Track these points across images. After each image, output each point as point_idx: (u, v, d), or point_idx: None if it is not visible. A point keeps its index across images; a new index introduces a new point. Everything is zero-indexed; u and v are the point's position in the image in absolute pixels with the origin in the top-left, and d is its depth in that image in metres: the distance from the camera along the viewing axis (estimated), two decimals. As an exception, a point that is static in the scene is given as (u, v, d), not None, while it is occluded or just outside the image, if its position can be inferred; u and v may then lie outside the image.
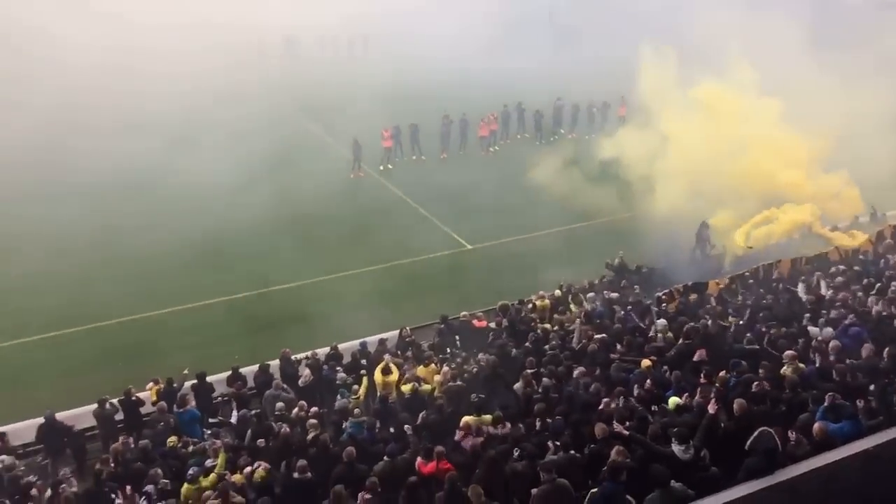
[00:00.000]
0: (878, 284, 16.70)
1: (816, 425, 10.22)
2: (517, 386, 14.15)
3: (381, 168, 34.18)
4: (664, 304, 18.43)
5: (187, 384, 16.30)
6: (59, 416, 15.42)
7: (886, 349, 12.74)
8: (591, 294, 19.59)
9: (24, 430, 15.34)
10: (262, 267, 24.70)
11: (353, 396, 15.06)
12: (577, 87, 39.54)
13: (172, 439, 13.69)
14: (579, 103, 38.87)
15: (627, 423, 11.11)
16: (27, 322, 21.52)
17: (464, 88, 42.51)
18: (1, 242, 26.32)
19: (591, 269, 21.99)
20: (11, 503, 11.91)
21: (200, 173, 30.55)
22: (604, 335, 16.20)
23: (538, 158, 29.72)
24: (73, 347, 20.56)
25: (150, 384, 16.26)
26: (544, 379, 14.08)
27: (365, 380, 15.62)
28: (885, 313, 15.06)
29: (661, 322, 16.30)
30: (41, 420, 15.13)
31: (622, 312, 17.76)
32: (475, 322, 18.69)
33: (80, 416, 15.77)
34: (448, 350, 17.71)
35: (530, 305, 19.37)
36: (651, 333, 16.00)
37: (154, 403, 15.67)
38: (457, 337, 18.32)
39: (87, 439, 15.56)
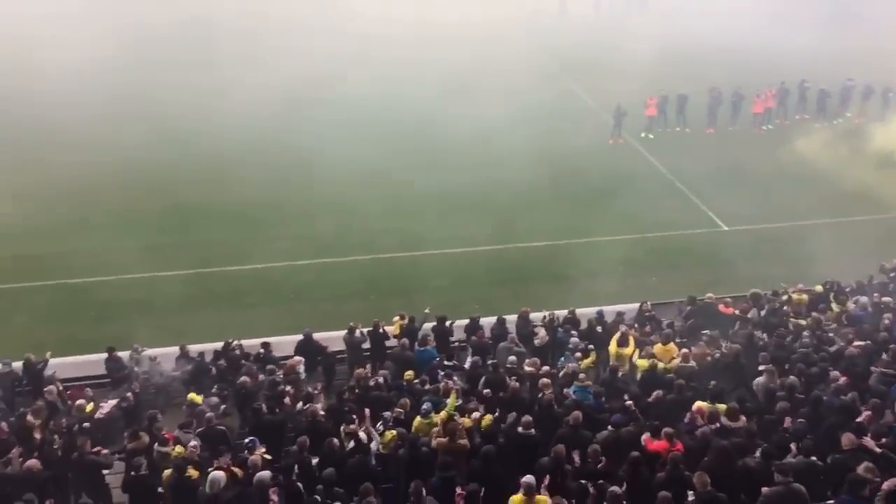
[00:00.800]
0: None
1: None
2: (759, 380, 13.37)
3: (642, 136, 33.30)
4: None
5: (428, 325, 17.16)
6: (316, 336, 16.91)
7: None
8: (859, 297, 17.84)
9: (286, 343, 17.01)
10: (512, 222, 25.20)
11: (574, 363, 14.97)
12: (860, 69, 35.77)
13: (409, 374, 14.48)
14: (872, 84, 35.04)
15: (883, 440, 10.12)
16: (303, 247, 23.65)
17: (740, 61, 40.04)
18: (292, 173, 29.03)
19: (860, 269, 19.93)
20: (268, 405, 13.28)
21: (467, 127, 31.81)
22: (867, 342, 14.76)
23: (817, 141, 27.35)
24: (335, 275, 22.39)
25: (396, 318, 17.31)
26: (791, 378, 13.16)
27: (592, 349, 15.47)
28: None
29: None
30: (300, 336, 16.73)
31: (888, 320, 16.06)
32: (721, 307, 17.79)
33: (333, 338, 17.12)
34: (689, 332, 17.05)
35: (785, 297, 18.07)
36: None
37: (397, 338, 16.71)
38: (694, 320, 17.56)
39: (338, 361, 16.92)
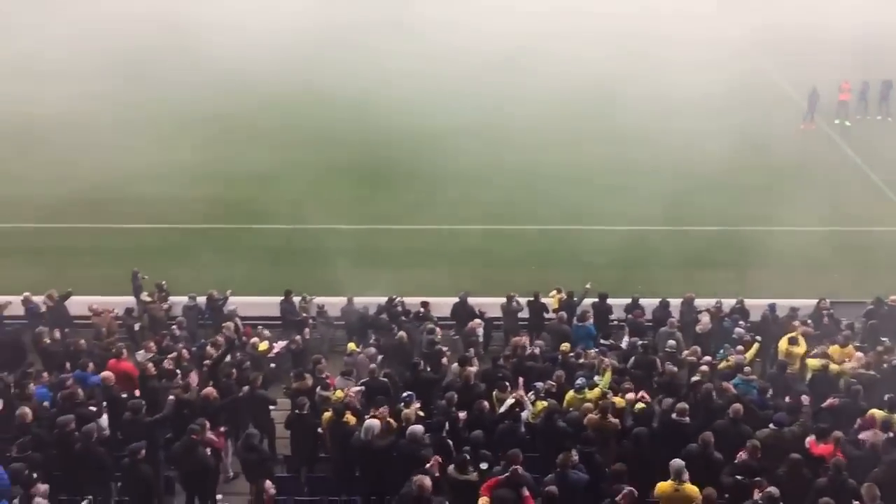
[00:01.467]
0: None
1: None
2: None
3: (836, 123, 31.02)
4: None
5: (587, 301, 16.98)
6: (473, 301, 17.18)
7: None
8: None
9: (444, 304, 17.39)
10: (687, 204, 24.36)
11: (740, 355, 14.27)
12: None
13: (565, 346, 14.41)
14: None
15: None
16: (471, 212, 23.99)
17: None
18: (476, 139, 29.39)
19: None
20: (426, 363, 13.67)
21: (653, 102, 31.35)
22: None
23: None
24: (498, 243, 22.60)
25: (554, 293, 17.24)
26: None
27: (757, 344, 14.71)
28: None
29: None
30: (456, 299, 17.06)
31: None
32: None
33: (490, 305, 17.31)
34: (869, 335, 15.88)
35: None
36: None
37: (555, 311, 16.67)
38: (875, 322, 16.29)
39: (494, 328, 17.11)
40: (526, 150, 28.29)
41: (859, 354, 13.85)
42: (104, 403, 11.93)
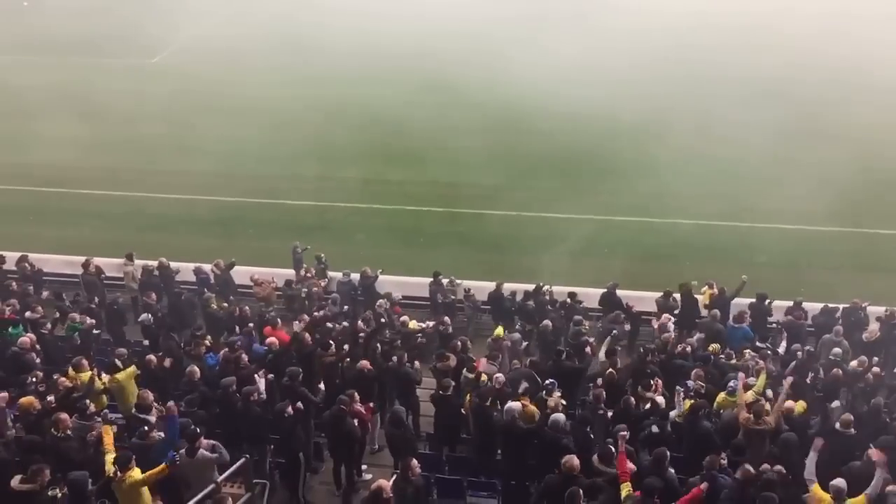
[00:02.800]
0: None
1: None
2: None
3: None
4: None
5: (743, 300, 16.22)
6: (625, 293, 16.91)
7: None
8: None
9: (593, 295, 17.17)
10: (860, 203, 23.01)
11: None
12: None
13: (715, 347, 13.85)
14: None
15: None
16: (622, 203, 23.61)
17: None
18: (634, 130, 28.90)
19: None
20: (570, 353, 13.50)
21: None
22: None
23: None
24: (650, 236, 22.23)
25: (705, 288, 16.59)
26: None
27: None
28: None
29: None
30: (604, 290, 16.84)
31: None
32: None
33: (642, 298, 16.97)
34: None
35: None
36: None
37: (706, 307, 16.04)
38: None
39: (643, 322, 16.70)
40: (693, 139, 27.48)
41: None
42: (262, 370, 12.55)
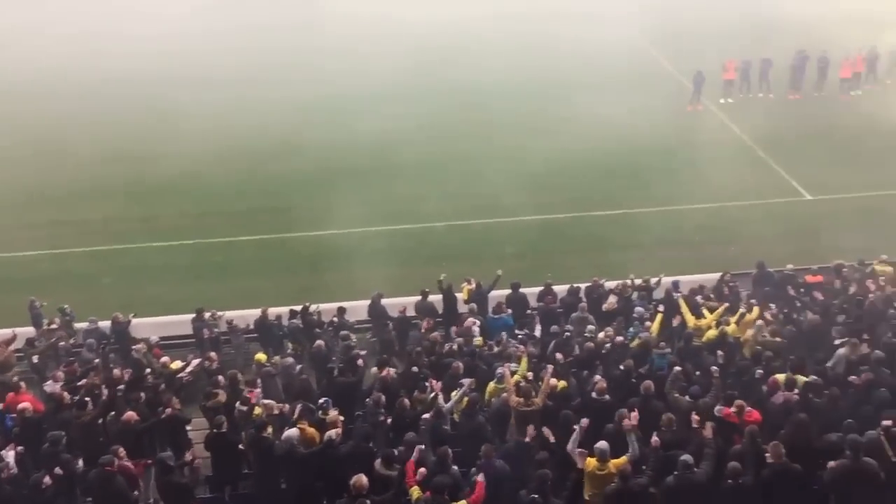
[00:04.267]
0: None
1: None
2: (841, 352, 13.00)
3: (722, 102, 32.37)
4: None
5: (503, 293, 17.14)
6: (390, 301, 17.16)
7: None
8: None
9: (360, 308, 17.28)
10: (583, 191, 25.02)
11: (646, 332, 14.67)
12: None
13: (478, 340, 14.54)
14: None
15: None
16: (372, 213, 23.81)
17: (827, 24, 38.30)
18: (356, 139, 29.32)
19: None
20: (342, 369, 13.54)
21: (538, 95, 31.59)
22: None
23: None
24: (406, 242, 22.61)
25: (464, 284, 17.30)
26: (876, 352, 12.74)
27: (660, 317, 15.19)
28: None
29: None
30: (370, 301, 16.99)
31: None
32: (808, 277, 17.30)
33: (406, 304, 17.21)
34: (765, 302, 16.62)
35: (869, 269, 17.42)
36: None
37: (466, 302, 16.77)
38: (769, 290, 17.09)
39: (411, 326, 17.09)
40: (426, 144, 28.50)
41: (759, 322, 14.47)
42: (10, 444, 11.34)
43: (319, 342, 14.88)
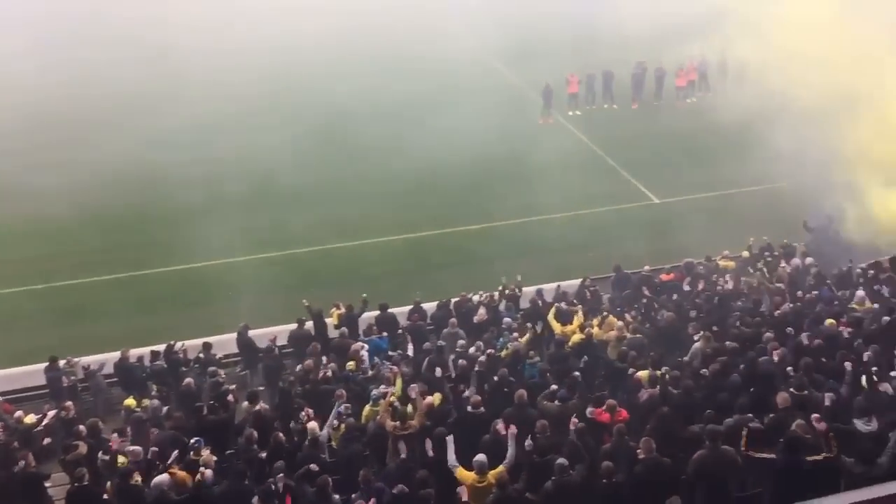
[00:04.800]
0: None
1: None
2: (696, 346, 13.74)
3: (570, 114, 33.74)
4: (868, 275, 17.08)
5: (372, 315, 17.10)
6: (258, 332, 16.76)
7: None
8: (794, 259, 18.43)
9: (228, 342, 16.77)
10: (446, 208, 25.43)
11: (516, 342, 15.01)
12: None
13: (351, 364, 14.42)
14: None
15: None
16: (235, 243, 23.28)
17: (663, 35, 40.45)
18: (214, 168, 28.66)
19: (790, 232, 20.50)
20: (211, 406, 13.08)
21: (393, 116, 31.93)
22: (797, 303, 15.36)
23: (739, 110, 27.92)
24: (272, 270, 22.17)
25: (334, 309, 17.15)
26: (727, 341, 13.59)
27: (529, 327, 15.60)
28: None
29: (860, 293, 15.19)
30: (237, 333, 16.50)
31: (815, 277, 16.73)
32: (662, 276, 18.26)
33: (276, 333, 16.80)
34: (625, 303, 17.39)
35: (714, 265, 18.60)
36: (852, 304, 14.98)
37: (336, 327, 16.61)
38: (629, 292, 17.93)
39: (283, 356, 16.74)
40: (286, 170, 28.06)
41: (620, 323, 15.12)
42: None
43: (188, 380, 14.32)
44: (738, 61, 33.95)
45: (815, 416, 9.78)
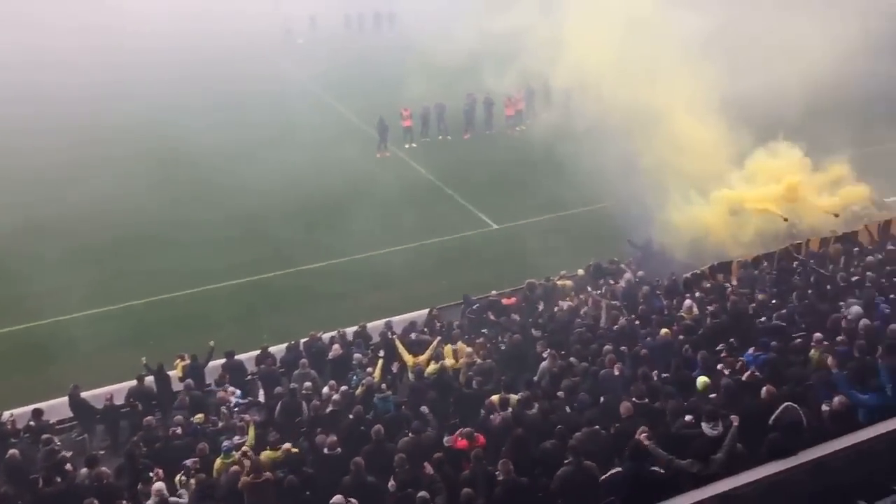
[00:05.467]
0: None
1: (837, 399, 10.20)
2: (543, 364, 14.20)
3: (406, 147, 34.25)
4: (691, 284, 18.35)
5: (219, 363, 16.52)
6: (94, 392, 15.82)
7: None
8: (626, 275, 19.49)
9: (61, 406, 15.67)
10: (289, 247, 25.03)
11: (369, 377, 14.98)
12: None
13: (199, 417, 13.87)
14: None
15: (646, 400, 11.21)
16: (65, 299, 21.84)
17: (490, 67, 41.92)
18: (40, 219, 26.88)
19: (621, 248, 21.73)
20: (47, 476, 12.14)
21: (227, 154, 31.22)
22: (632, 315, 16.25)
23: (565, 137, 29.32)
24: (107, 325, 20.95)
25: (177, 360, 16.45)
26: (571, 358, 14.15)
27: (381, 361, 15.68)
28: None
29: (688, 302, 16.28)
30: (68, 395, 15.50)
31: (647, 290, 17.78)
32: (504, 300, 18.78)
33: (116, 392, 15.94)
34: (474, 329, 17.77)
35: (553, 285, 19.37)
36: (680, 313, 16.01)
37: (181, 379, 15.91)
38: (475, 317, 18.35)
39: (122, 416, 15.81)
40: (115, 220, 26.82)
41: (469, 349, 15.41)
42: None
43: (12, 452, 13.17)
44: (561, 88, 35.41)
45: (643, 431, 10.24)
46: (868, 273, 16.14)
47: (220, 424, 13.67)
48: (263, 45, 50.09)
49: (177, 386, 15.98)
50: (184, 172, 31.06)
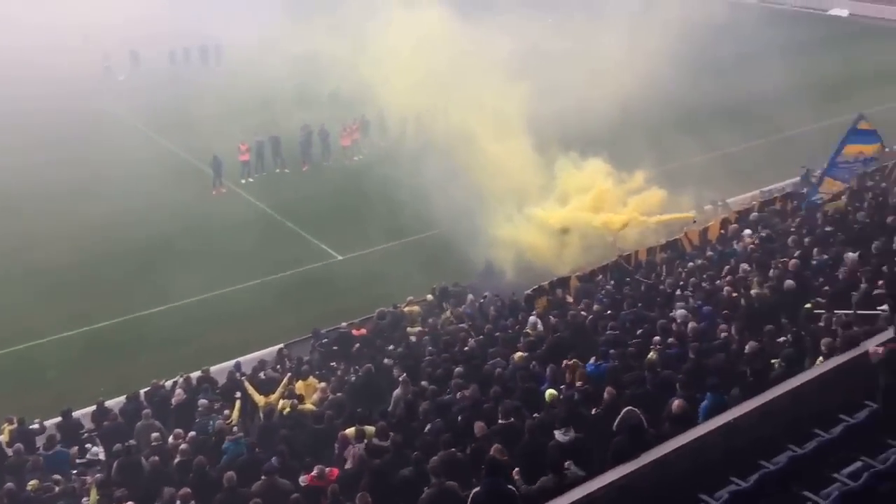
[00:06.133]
0: (728, 267, 17.70)
1: (676, 402, 10.83)
2: (397, 392, 14.22)
3: (243, 182, 33.44)
4: (533, 301, 19.05)
5: (52, 422, 15.42)
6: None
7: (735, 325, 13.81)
8: (469, 296, 19.92)
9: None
10: (122, 294, 23.87)
11: (226, 421, 14.52)
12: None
13: (33, 483, 12.85)
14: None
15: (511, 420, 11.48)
16: None
17: (320, 98, 41.84)
18: None
19: (463, 270, 22.24)
20: None
21: (51, 200, 29.30)
22: (480, 336, 16.61)
23: (400, 165, 29.71)
24: None
25: (5, 425, 15.23)
26: (423, 382, 14.25)
27: (238, 402, 15.23)
28: (734, 294, 15.92)
29: (532, 319, 16.85)
30: None
31: (493, 311, 18.25)
32: (354, 331, 18.71)
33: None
34: (325, 363, 17.60)
35: (401, 312, 19.52)
36: (526, 329, 16.53)
37: (9, 445, 14.67)
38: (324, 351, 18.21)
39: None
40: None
41: (322, 384, 15.24)
42: None
43: None
44: (396, 117, 36.04)
45: (497, 447, 10.47)
46: (691, 279, 17.38)
47: (57, 489, 12.73)
48: (82, 81, 47.30)
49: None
50: (7, 222, 28.77)
